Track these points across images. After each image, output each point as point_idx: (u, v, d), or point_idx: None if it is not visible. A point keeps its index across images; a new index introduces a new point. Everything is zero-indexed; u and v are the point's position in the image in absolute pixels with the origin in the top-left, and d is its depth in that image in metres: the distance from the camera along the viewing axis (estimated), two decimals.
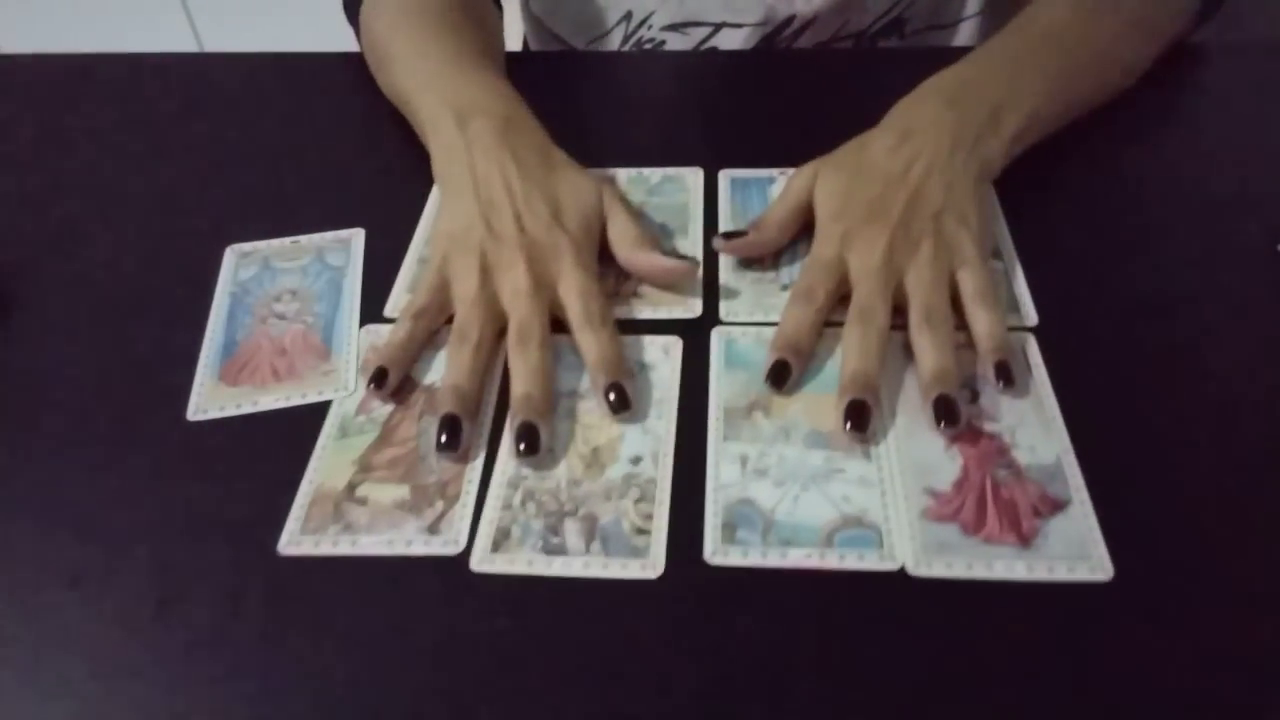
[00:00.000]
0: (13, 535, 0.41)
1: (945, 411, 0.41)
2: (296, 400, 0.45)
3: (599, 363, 0.44)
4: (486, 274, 0.46)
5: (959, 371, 0.43)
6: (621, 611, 0.37)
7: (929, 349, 0.43)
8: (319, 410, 0.45)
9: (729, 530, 0.39)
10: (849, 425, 0.41)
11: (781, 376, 0.43)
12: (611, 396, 0.43)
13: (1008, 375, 0.42)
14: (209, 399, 0.45)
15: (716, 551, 0.38)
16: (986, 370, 0.43)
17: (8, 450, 0.44)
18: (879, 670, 0.35)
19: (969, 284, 0.45)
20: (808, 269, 0.47)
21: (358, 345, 0.47)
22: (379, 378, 0.44)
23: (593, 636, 0.36)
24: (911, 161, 0.49)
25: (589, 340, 0.45)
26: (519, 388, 0.43)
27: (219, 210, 0.56)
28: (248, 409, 0.45)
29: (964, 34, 0.73)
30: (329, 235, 0.53)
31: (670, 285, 0.49)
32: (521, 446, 0.41)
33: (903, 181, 0.48)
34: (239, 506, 0.41)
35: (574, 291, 0.46)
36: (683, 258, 0.49)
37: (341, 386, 0.46)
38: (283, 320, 0.49)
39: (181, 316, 0.49)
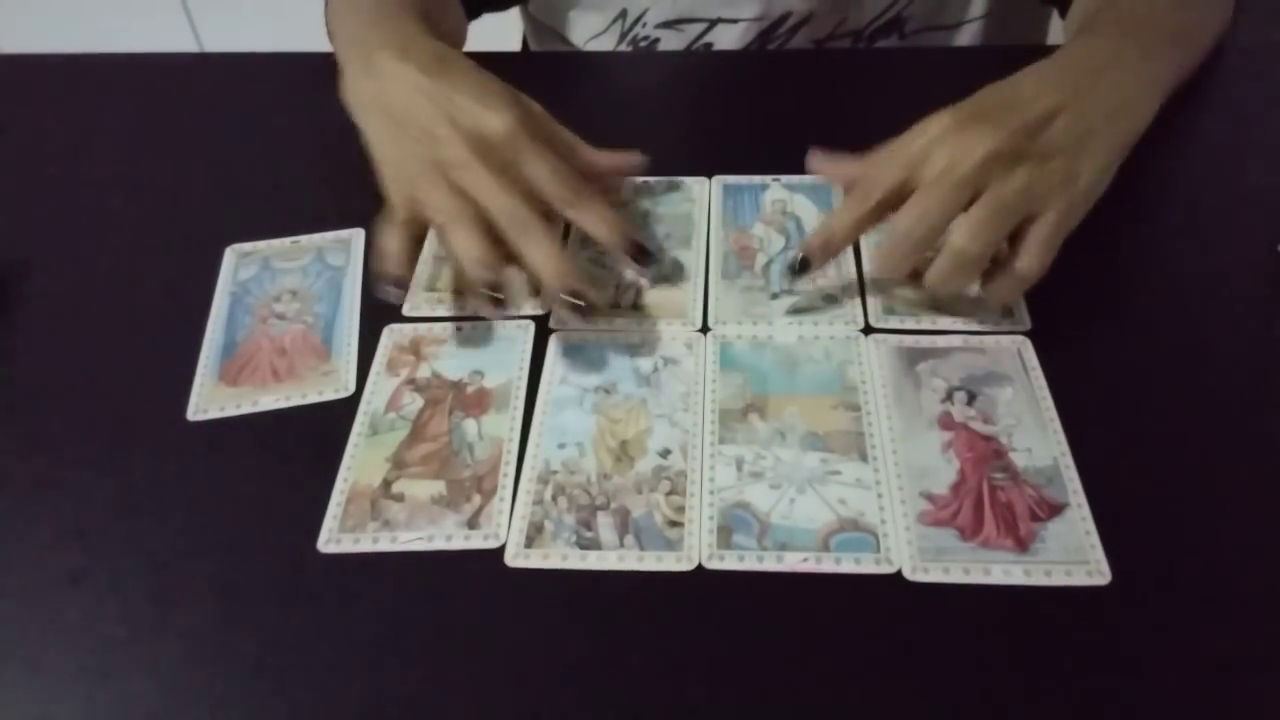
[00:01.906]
0: (13, 535, 0.41)
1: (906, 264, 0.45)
2: (296, 400, 0.45)
3: (607, 232, 0.46)
4: (447, 178, 0.46)
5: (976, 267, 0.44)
6: (649, 607, 0.37)
7: (965, 226, 0.43)
8: (318, 410, 0.45)
9: (725, 534, 0.39)
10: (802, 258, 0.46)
11: (801, 269, 0.46)
12: (634, 254, 0.46)
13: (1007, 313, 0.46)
14: (209, 399, 0.45)
15: (712, 556, 0.38)
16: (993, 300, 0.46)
17: (8, 450, 0.44)
18: (877, 675, 0.35)
19: (1039, 230, 0.44)
20: (878, 158, 0.46)
21: (358, 345, 0.47)
22: (401, 281, 0.46)
23: (618, 632, 0.36)
24: (1055, 103, 0.46)
25: (583, 217, 0.46)
26: (546, 269, 0.44)
27: (219, 210, 0.56)
28: (248, 409, 0.45)
29: (966, 36, 0.73)
30: (329, 235, 0.53)
31: (626, 170, 0.52)
32: (575, 306, 0.44)
33: (1031, 106, 0.45)
34: (239, 506, 0.41)
35: (545, 175, 0.46)
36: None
37: (341, 387, 0.46)
38: (283, 320, 0.49)
39: (181, 316, 0.49)
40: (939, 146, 0.44)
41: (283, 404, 0.45)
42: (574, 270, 0.45)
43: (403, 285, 0.46)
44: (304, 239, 0.53)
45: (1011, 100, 0.46)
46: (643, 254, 0.47)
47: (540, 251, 0.44)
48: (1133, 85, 0.49)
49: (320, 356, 0.47)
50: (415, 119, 0.47)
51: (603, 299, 0.49)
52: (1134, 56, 0.50)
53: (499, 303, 0.44)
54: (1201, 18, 0.59)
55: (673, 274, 0.50)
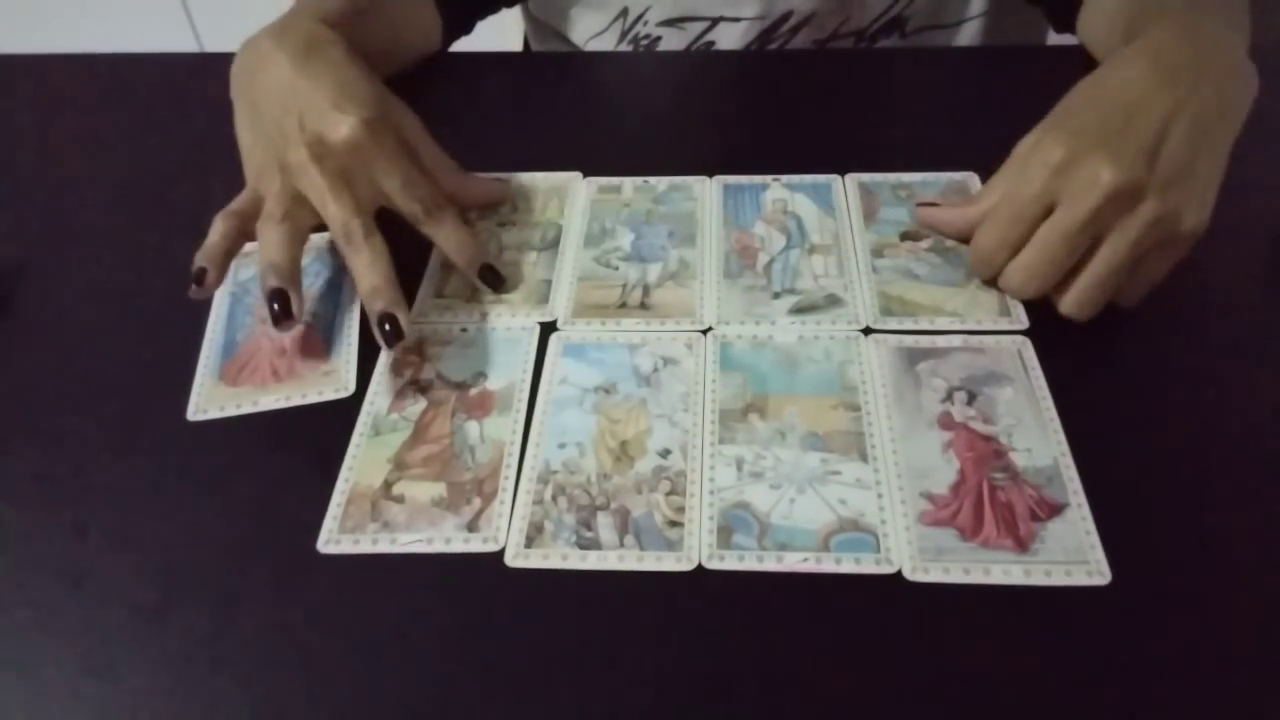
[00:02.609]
0: (13, 535, 0.41)
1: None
2: (297, 400, 0.45)
3: (457, 251, 0.47)
4: (287, 176, 0.47)
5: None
6: (648, 607, 0.37)
7: (1087, 279, 0.43)
8: (318, 410, 0.45)
9: (725, 534, 0.39)
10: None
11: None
12: (484, 276, 0.48)
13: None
14: (209, 399, 0.45)
15: (712, 556, 0.38)
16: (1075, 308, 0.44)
17: (8, 450, 0.44)
18: (877, 675, 0.35)
19: (1156, 262, 0.44)
20: (1009, 197, 0.45)
21: (358, 345, 0.47)
22: (199, 276, 0.45)
23: (616, 632, 0.36)
24: (1168, 110, 0.44)
25: (435, 233, 0.47)
26: (364, 283, 0.45)
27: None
28: (248, 409, 0.45)
29: (967, 34, 0.73)
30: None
31: (491, 202, 0.53)
32: (386, 328, 0.44)
33: (1144, 119, 0.43)
34: (240, 506, 0.41)
35: (396, 187, 0.47)
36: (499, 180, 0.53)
37: (342, 387, 0.46)
38: None
39: (181, 316, 0.49)
40: (1057, 179, 0.43)
41: (283, 404, 0.45)
42: (390, 289, 0.44)
43: (202, 281, 0.45)
44: (312, 237, 0.53)
45: (1122, 114, 0.44)
46: (494, 277, 0.48)
47: (360, 263, 0.45)
48: (1232, 62, 0.47)
49: (320, 356, 0.47)
50: (270, 112, 0.48)
51: (610, 299, 0.49)
52: (1218, 29, 0.48)
53: (282, 316, 0.44)
54: None
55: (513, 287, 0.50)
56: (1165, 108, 0.43)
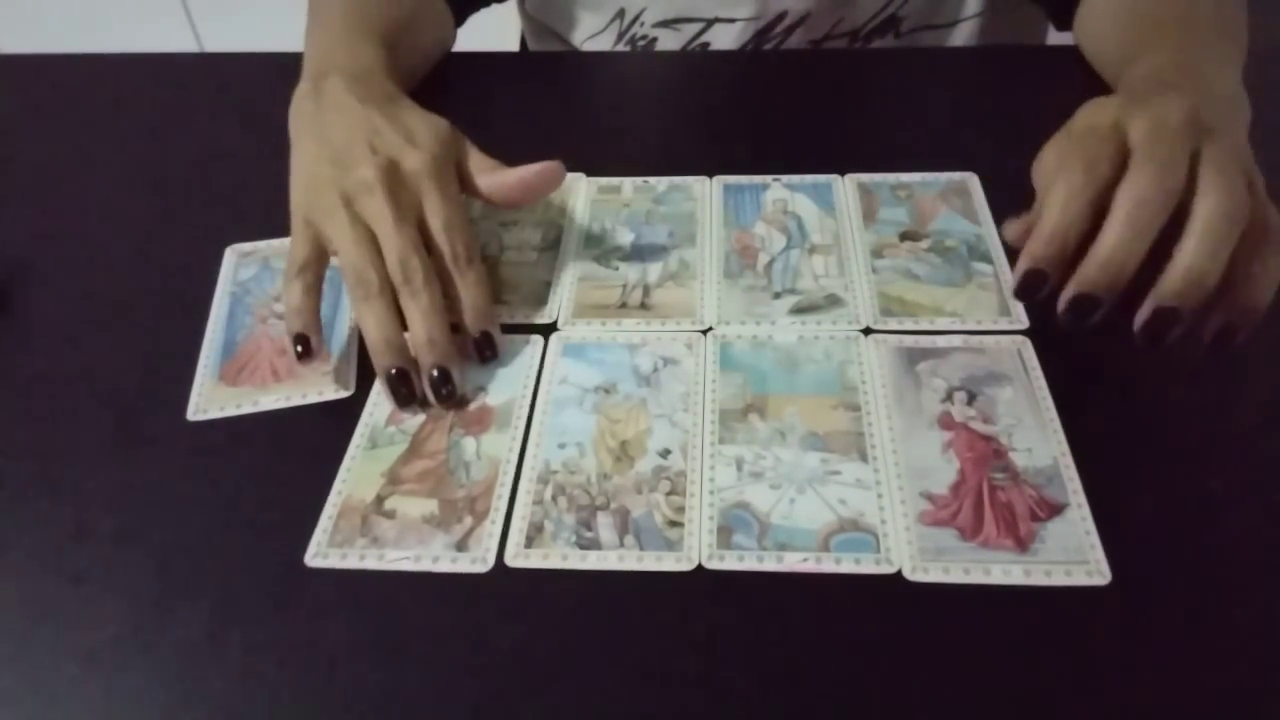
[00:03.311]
0: (13, 535, 0.41)
1: (1156, 327, 0.38)
2: (297, 400, 0.45)
3: (469, 312, 0.45)
4: (349, 204, 0.45)
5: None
6: (648, 608, 0.37)
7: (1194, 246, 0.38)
8: (319, 410, 0.45)
9: (725, 534, 0.39)
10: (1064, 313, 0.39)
11: (1033, 288, 0.40)
12: (479, 343, 0.45)
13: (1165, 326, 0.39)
14: (209, 399, 0.45)
15: (712, 556, 0.38)
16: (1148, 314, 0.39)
17: (8, 450, 0.44)
18: (877, 675, 0.35)
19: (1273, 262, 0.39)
20: (1078, 139, 0.41)
21: (359, 345, 0.47)
22: (304, 344, 0.44)
23: (616, 634, 0.36)
24: (1198, 113, 0.41)
25: (457, 284, 0.45)
26: (419, 333, 0.43)
27: (219, 210, 0.56)
28: (248, 409, 0.45)
29: (962, 34, 0.73)
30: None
31: (546, 191, 0.50)
32: (443, 392, 0.43)
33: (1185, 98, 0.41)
34: (239, 506, 0.41)
35: (439, 226, 0.45)
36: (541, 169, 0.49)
37: (342, 386, 0.46)
38: (283, 320, 0.49)
39: (182, 316, 0.49)
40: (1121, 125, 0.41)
41: (283, 404, 0.45)
42: (447, 343, 0.43)
43: (307, 345, 0.44)
44: None
45: (1152, 157, 0.40)
46: (489, 346, 0.45)
47: (416, 308, 0.43)
48: (1227, 93, 0.47)
49: (321, 357, 0.47)
50: (339, 144, 0.47)
51: (610, 299, 0.49)
52: (1210, 63, 0.48)
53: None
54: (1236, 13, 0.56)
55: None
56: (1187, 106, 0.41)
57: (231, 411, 0.45)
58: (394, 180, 0.45)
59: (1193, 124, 0.40)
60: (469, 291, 0.45)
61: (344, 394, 0.45)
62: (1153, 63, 0.48)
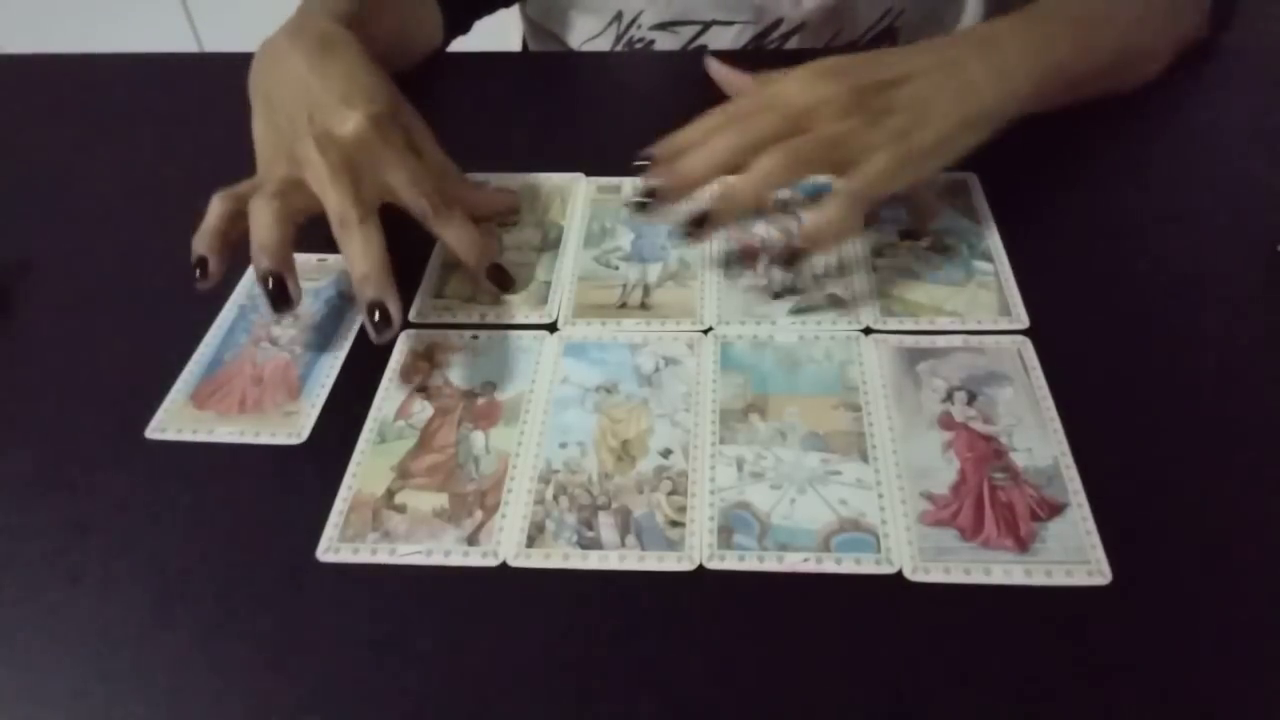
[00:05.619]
0: (13, 535, 0.41)
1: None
2: (249, 439, 0.43)
3: (466, 250, 0.47)
4: (292, 167, 0.47)
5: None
6: (645, 609, 0.37)
7: (769, 153, 0.45)
8: (327, 410, 0.44)
9: (725, 534, 0.39)
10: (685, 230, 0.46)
11: (701, 229, 0.47)
12: (493, 277, 0.48)
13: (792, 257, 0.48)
14: (171, 419, 0.44)
15: (713, 556, 0.38)
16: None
17: (8, 449, 0.44)
18: (877, 675, 0.35)
19: (850, 181, 0.46)
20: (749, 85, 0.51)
21: (330, 392, 0.45)
22: (200, 266, 0.45)
23: (613, 633, 0.36)
24: (910, 69, 0.49)
25: (444, 230, 0.47)
26: (356, 269, 0.44)
27: None
28: (203, 437, 0.43)
29: None
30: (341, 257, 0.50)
31: (496, 213, 0.53)
32: (376, 316, 0.43)
33: (889, 68, 0.48)
34: (239, 506, 0.41)
35: (399, 180, 0.46)
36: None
37: (295, 433, 0.43)
38: (273, 346, 0.48)
39: (182, 317, 0.49)
40: (788, 83, 0.48)
41: (235, 439, 0.43)
42: (381, 276, 0.44)
43: (205, 272, 0.45)
44: (332, 258, 0.52)
45: (874, 60, 0.49)
46: (502, 277, 0.48)
47: (352, 249, 0.44)
48: (990, 68, 0.50)
49: (290, 394, 0.45)
50: (283, 107, 0.48)
51: (610, 299, 0.49)
52: (1011, 39, 0.52)
53: (273, 297, 0.44)
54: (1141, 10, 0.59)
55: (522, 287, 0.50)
56: (909, 67, 0.48)
57: (188, 437, 0.44)
58: (329, 146, 0.46)
59: (820, 106, 0.47)
60: (455, 230, 0.46)
61: (294, 441, 0.43)
62: (954, 34, 0.54)
